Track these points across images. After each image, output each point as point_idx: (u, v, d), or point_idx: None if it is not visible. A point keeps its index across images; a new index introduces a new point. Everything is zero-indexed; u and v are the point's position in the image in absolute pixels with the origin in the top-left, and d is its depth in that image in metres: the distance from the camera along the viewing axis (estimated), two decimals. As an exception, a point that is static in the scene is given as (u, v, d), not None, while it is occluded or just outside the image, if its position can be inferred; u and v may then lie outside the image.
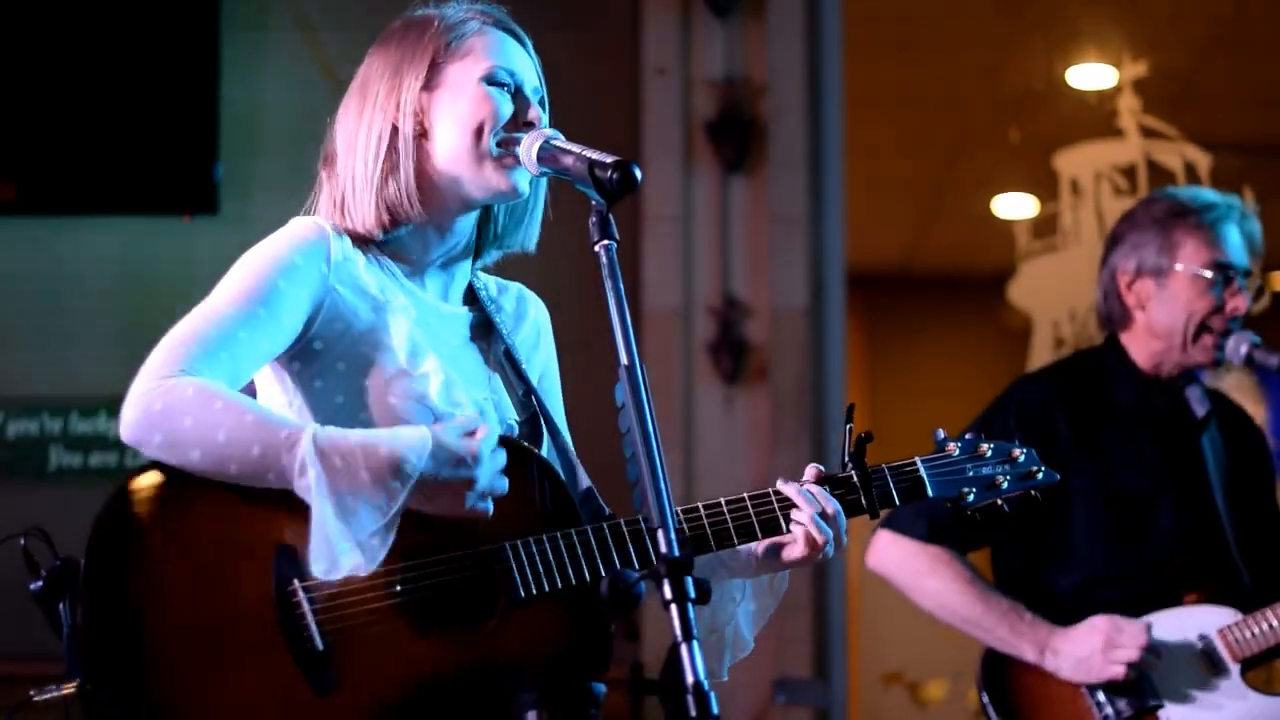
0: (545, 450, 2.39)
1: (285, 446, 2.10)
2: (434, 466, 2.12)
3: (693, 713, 1.83)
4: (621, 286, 2.09)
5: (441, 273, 2.43)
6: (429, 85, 2.36)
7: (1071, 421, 3.54)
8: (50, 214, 5.33)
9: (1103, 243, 3.74)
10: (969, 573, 3.50)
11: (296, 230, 2.32)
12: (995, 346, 9.72)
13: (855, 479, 2.33)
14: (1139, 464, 3.54)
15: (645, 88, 5.39)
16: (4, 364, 5.33)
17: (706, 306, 5.28)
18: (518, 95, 2.37)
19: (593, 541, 2.22)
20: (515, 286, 2.55)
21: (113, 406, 5.23)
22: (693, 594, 1.89)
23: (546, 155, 2.28)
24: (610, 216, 2.13)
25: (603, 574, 2.18)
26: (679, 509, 2.26)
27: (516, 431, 2.38)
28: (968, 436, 2.44)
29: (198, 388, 2.13)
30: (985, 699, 3.49)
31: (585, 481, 2.38)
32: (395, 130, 2.35)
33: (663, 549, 1.93)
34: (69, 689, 2.10)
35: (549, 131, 2.33)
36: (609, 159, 2.16)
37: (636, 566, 2.20)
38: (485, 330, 2.45)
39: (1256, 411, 7.47)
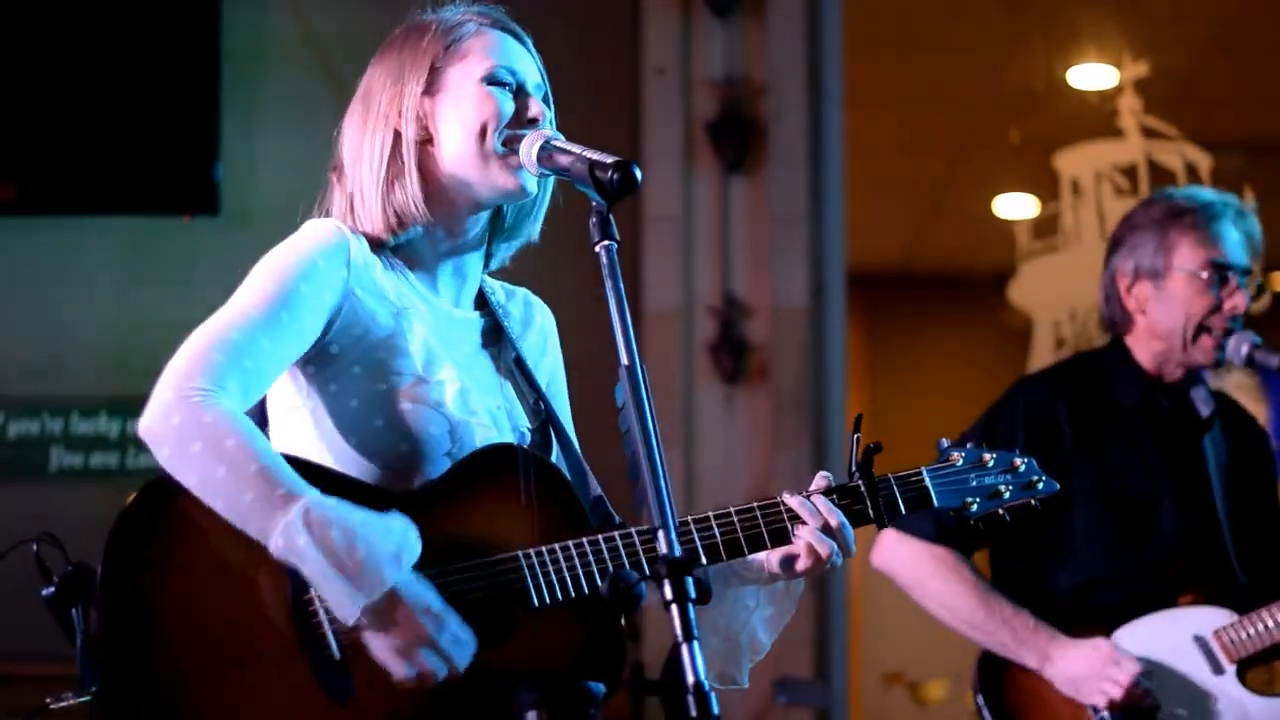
0: (555, 458, 2.39)
1: (279, 504, 2.08)
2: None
3: (693, 713, 1.82)
4: (622, 287, 2.08)
5: (454, 277, 2.42)
6: (430, 90, 2.35)
7: (1074, 422, 3.53)
8: (50, 214, 5.33)
9: (1103, 243, 3.74)
10: (973, 576, 3.50)
11: (318, 232, 2.30)
12: (995, 346, 9.71)
13: (862, 489, 2.32)
14: (1141, 465, 3.53)
15: (645, 88, 5.39)
16: (4, 364, 5.33)
17: (707, 306, 5.28)
18: (519, 93, 2.36)
19: (604, 550, 2.21)
20: (522, 292, 2.54)
21: (113, 407, 5.31)
22: (693, 594, 1.88)
23: (546, 156, 2.27)
24: (610, 217, 2.13)
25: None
26: (690, 517, 2.26)
27: (529, 440, 2.37)
28: (970, 445, 2.44)
29: (217, 418, 2.11)
30: (980, 701, 3.49)
31: (595, 489, 2.37)
32: (398, 137, 2.34)
33: (663, 549, 1.92)
34: (85, 696, 2.10)
35: (549, 132, 2.32)
36: (609, 159, 2.15)
37: (648, 574, 2.19)
38: (495, 336, 2.44)
39: (1258, 411, 7.46)
